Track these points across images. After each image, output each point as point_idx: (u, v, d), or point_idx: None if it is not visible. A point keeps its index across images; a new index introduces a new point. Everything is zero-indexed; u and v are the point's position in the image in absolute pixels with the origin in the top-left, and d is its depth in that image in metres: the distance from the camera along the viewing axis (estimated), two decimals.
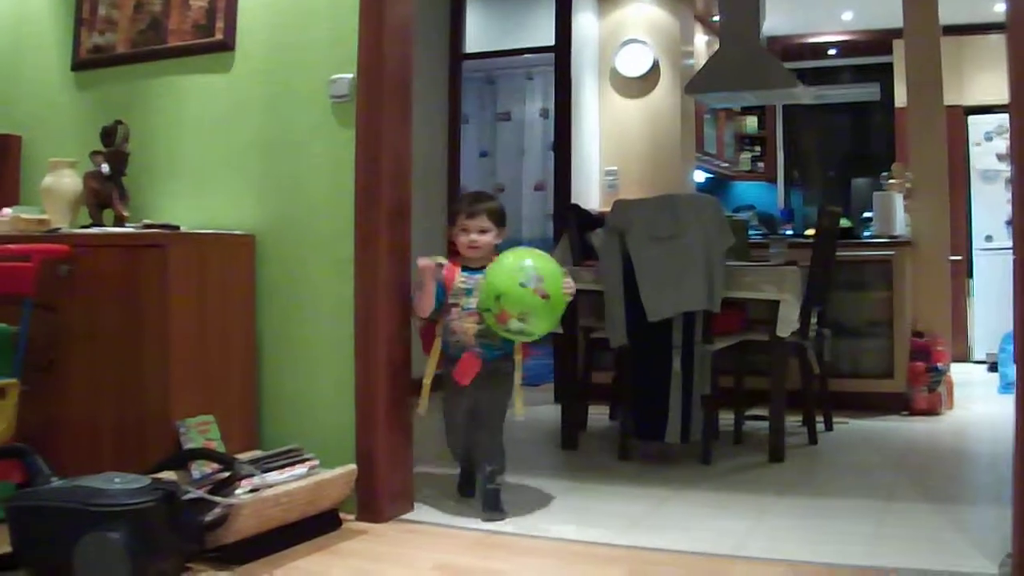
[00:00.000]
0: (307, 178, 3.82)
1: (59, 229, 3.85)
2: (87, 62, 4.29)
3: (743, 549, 3.30)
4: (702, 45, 8.60)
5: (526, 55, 8.20)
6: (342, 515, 3.60)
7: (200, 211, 3.97)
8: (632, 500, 4.00)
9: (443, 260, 3.71)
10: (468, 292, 3.66)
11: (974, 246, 8.69)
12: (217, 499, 3.08)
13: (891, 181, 6.56)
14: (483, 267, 3.63)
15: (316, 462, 3.54)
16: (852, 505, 3.87)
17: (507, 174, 9.59)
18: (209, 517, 3.06)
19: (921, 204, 6.48)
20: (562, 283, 3.55)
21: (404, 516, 3.72)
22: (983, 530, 3.41)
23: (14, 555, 2.95)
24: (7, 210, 3.97)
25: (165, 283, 3.49)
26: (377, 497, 3.65)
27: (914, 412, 5.90)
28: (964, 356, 8.36)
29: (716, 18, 7.79)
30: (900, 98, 8.42)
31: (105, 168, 3.89)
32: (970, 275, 8.67)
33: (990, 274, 8.52)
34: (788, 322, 4.60)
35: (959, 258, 8.16)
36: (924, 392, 5.91)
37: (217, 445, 3.53)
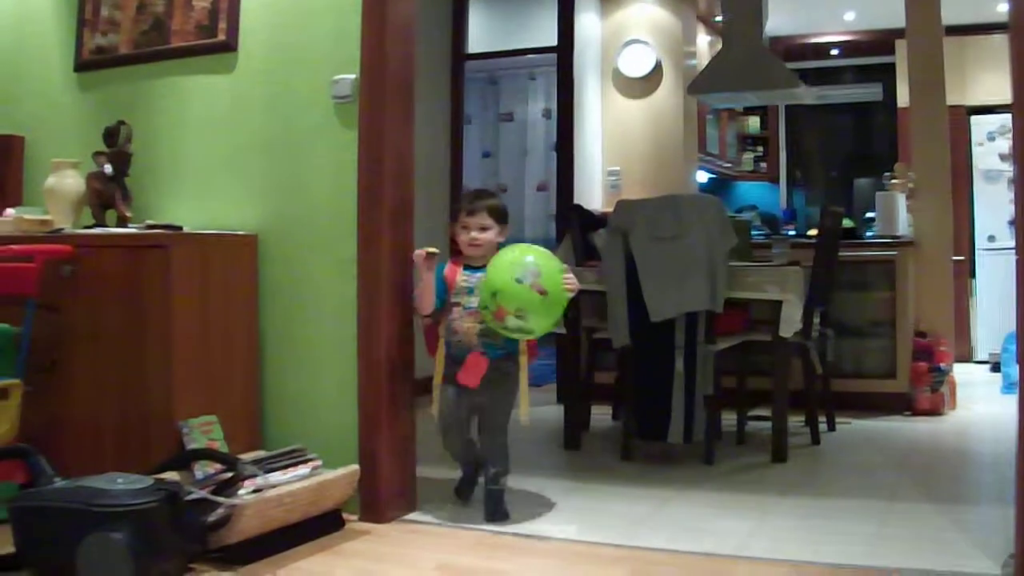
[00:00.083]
0: (310, 178, 3.83)
1: (62, 230, 3.86)
2: (90, 63, 4.29)
3: (746, 549, 3.30)
4: (704, 45, 8.60)
5: (529, 55, 8.18)
6: (345, 515, 3.60)
7: (203, 211, 3.98)
8: (635, 500, 3.99)
9: (434, 249, 3.63)
10: (470, 291, 3.61)
11: (977, 246, 8.68)
12: (220, 499, 3.08)
13: (894, 181, 6.56)
14: (485, 266, 3.59)
15: (319, 462, 3.54)
16: (855, 505, 3.87)
17: (510, 174, 9.59)
18: (212, 517, 3.06)
19: (924, 204, 6.47)
20: (561, 279, 3.49)
21: (407, 516, 3.72)
22: (986, 530, 3.40)
23: (17, 555, 2.96)
24: (10, 211, 3.98)
25: (168, 283, 3.50)
26: (380, 497, 3.66)
27: (917, 412, 5.90)
28: (967, 356, 8.35)
29: (719, 18, 7.78)
30: (903, 98, 8.40)
31: (108, 169, 3.89)
32: (973, 275, 8.66)
33: (993, 274, 8.50)
34: (791, 322, 4.60)
35: (962, 258, 8.15)
36: (927, 392, 5.90)
37: (220, 445, 3.53)
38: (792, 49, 9.79)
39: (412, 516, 3.73)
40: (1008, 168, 8.02)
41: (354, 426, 3.68)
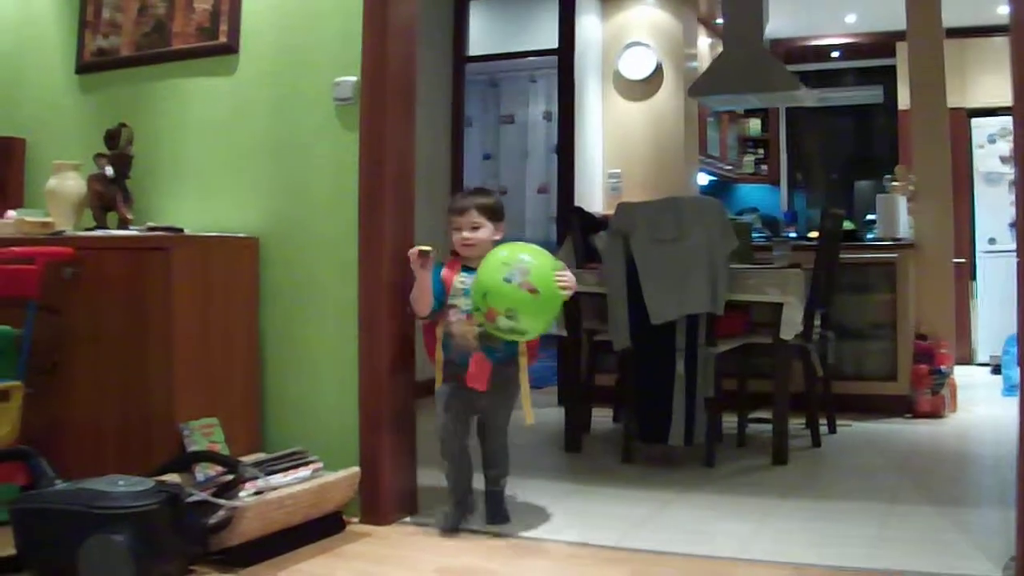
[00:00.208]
0: (311, 181, 3.83)
1: (63, 232, 3.86)
2: (91, 65, 4.29)
3: (747, 552, 3.30)
4: (705, 48, 8.60)
5: (529, 58, 8.19)
6: (346, 518, 3.60)
7: (204, 214, 3.98)
8: (635, 503, 3.99)
9: (427, 248, 3.52)
10: (467, 293, 3.50)
11: (977, 249, 8.68)
12: (221, 502, 3.08)
13: (894, 184, 6.56)
14: None
15: (320, 465, 3.54)
16: (856, 508, 3.87)
17: (510, 177, 9.59)
18: (213, 520, 3.07)
19: (924, 207, 6.47)
20: (553, 276, 3.37)
21: (408, 519, 3.73)
22: (987, 533, 3.41)
23: (18, 557, 2.96)
24: (11, 213, 3.98)
25: (169, 286, 3.50)
26: (381, 500, 3.66)
27: (917, 415, 5.90)
28: (967, 359, 8.35)
29: (719, 21, 7.79)
30: (903, 100, 8.40)
31: (109, 171, 3.90)
32: (973, 278, 8.66)
33: (993, 276, 8.51)
34: (792, 325, 4.60)
35: (962, 261, 8.16)
36: (927, 395, 5.90)
37: (221, 448, 3.53)
38: (793, 51, 9.80)
39: (413, 519, 3.74)
40: (1009, 170, 8.02)
41: (355, 428, 3.69)
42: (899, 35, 7.53)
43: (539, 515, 3.77)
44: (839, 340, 5.73)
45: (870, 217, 6.92)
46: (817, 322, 5.08)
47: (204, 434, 3.51)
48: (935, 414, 5.88)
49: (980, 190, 8.67)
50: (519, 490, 3.99)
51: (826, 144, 10.52)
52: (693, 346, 4.54)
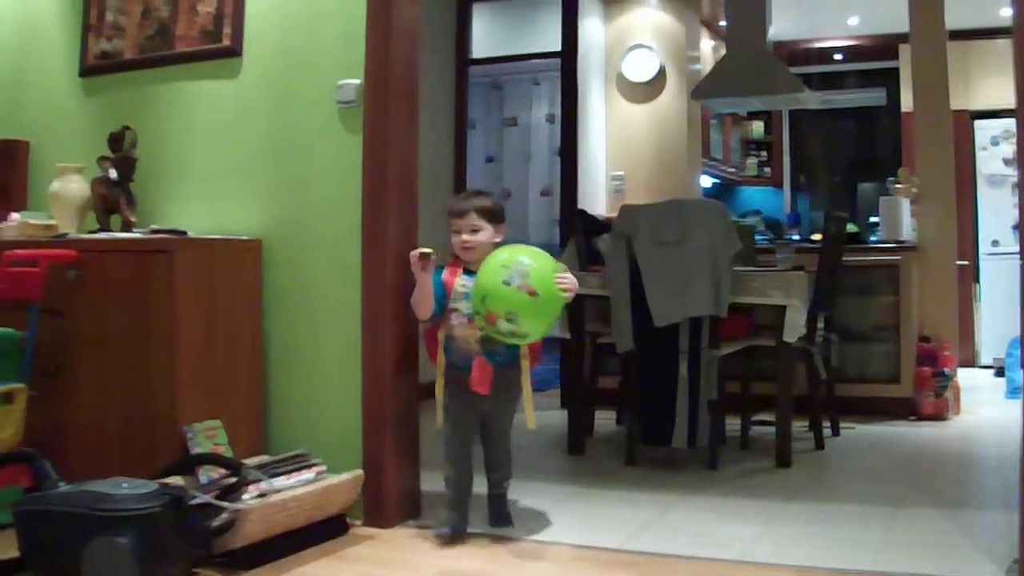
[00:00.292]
0: (314, 183, 3.83)
1: (66, 234, 3.87)
2: (95, 68, 4.30)
3: (750, 555, 3.30)
4: (708, 50, 8.60)
5: (533, 60, 8.20)
6: (349, 520, 3.60)
7: (207, 216, 3.98)
8: (638, 505, 3.99)
9: (428, 250, 3.48)
10: (468, 296, 3.44)
11: (981, 251, 8.68)
12: (224, 504, 3.09)
13: (897, 186, 6.56)
14: None
15: (323, 467, 3.54)
16: (859, 511, 3.87)
17: (514, 179, 9.60)
18: (216, 522, 3.07)
19: (928, 209, 6.47)
20: (553, 278, 3.31)
21: (411, 521, 3.73)
22: (991, 535, 3.40)
23: (22, 559, 2.96)
24: (15, 215, 3.98)
25: (172, 288, 3.50)
26: (384, 502, 3.66)
27: (921, 417, 5.89)
28: (971, 361, 8.35)
29: (722, 23, 7.79)
30: (906, 103, 8.42)
31: (113, 173, 3.90)
32: (977, 280, 8.66)
33: (997, 279, 8.50)
34: (795, 327, 4.59)
35: (966, 263, 8.15)
36: (931, 397, 5.90)
37: (224, 450, 3.53)
38: (796, 54, 9.79)
39: (416, 521, 3.74)
40: (1012, 173, 8.03)
41: (358, 431, 3.69)
42: (902, 37, 7.52)
43: (542, 518, 3.77)
44: (842, 342, 5.73)
45: (873, 219, 6.92)
46: (820, 324, 5.08)
47: (207, 436, 3.51)
48: (938, 417, 5.88)
49: (983, 192, 8.67)
50: (522, 493, 3.99)
51: (829, 146, 10.51)
52: (696, 348, 4.55)
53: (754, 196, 10.37)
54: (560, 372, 6.58)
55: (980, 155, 8.66)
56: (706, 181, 9.10)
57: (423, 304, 3.50)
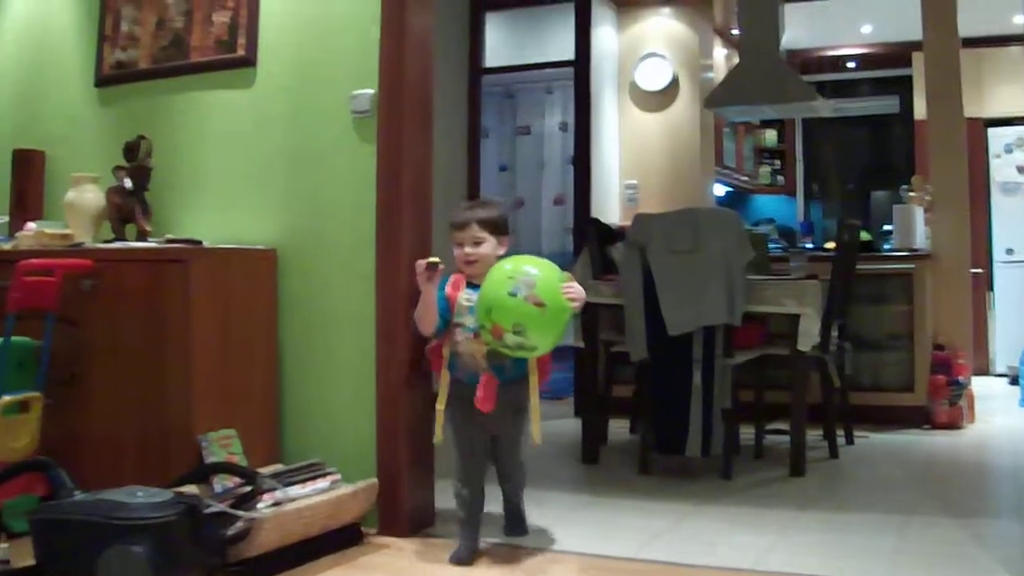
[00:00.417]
0: (329, 193, 3.84)
1: (82, 244, 3.88)
2: (110, 78, 4.32)
3: (764, 564, 3.29)
4: (721, 59, 8.60)
5: (546, 69, 8.20)
6: (363, 529, 3.61)
7: (222, 226, 3.99)
8: (652, 515, 3.99)
9: (436, 260, 3.41)
10: (472, 311, 3.34)
11: (995, 259, 8.66)
12: (239, 513, 3.09)
13: (911, 194, 6.56)
14: None
15: (338, 476, 3.55)
16: (874, 520, 3.86)
17: (527, 188, 9.59)
18: (231, 531, 3.07)
19: (941, 217, 6.46)
20: (560, 289, 3.21)
21: (426, 530, 3.73)
22: (1006, 545, 3.39)
23: (38, 568, 2.97)
24: (31, 225, 4.00)
25: (187, 298, 3.51)
26: (399, 511, 3.66)
27: (935, 426, 5.88)
28: (985, 369, 8.32)
29: (735, 31, 7.79)
30: (919, 111, 8.41)
31: (128, 183, 3.92)
32: (991, 288, 8.63)
33: (1011, 287, 8.48)
34: (809, 336, 4.59)
35: (980, 271, 8.14)
36: (945, 405, 5.88)
37: (239, 459, 3.54)
38: (809, 62, 9.79)
39: (431, 530, 3.74)
40: None
41: (372, 440, 3.69)
42: (915, 45, 7.51)
43: (556, 527, 3.77)
44: (856, 351, 5.72)
45: (887, 228, 6.92)
46: (834, 333, 5.07)
47: (222, 445, 3.52)
48: (953, 425, 5.86)
49: (997, 200, 8.65)
50: (536, 502, 3.97)
51: (842, 154, 10.49)
52: (710, 357, 4.54)
53: (767, 204, 10.35)
54: (574, 381, 6.57)
55: (994, 163, 8.65)
56: (719, 190, 9.10)
57: (427, 318, 3.44)
